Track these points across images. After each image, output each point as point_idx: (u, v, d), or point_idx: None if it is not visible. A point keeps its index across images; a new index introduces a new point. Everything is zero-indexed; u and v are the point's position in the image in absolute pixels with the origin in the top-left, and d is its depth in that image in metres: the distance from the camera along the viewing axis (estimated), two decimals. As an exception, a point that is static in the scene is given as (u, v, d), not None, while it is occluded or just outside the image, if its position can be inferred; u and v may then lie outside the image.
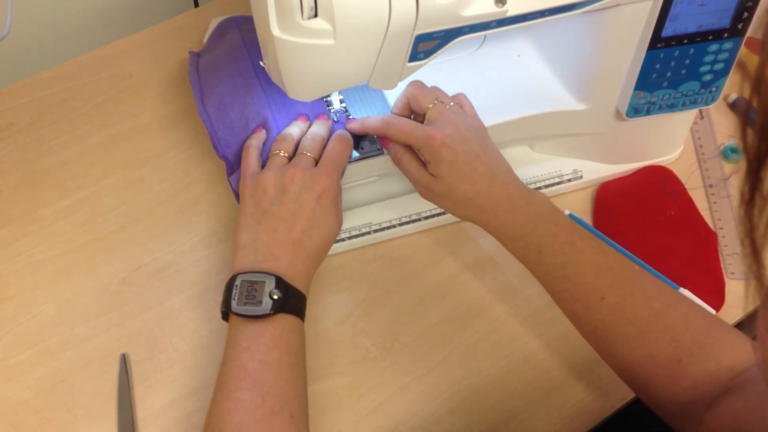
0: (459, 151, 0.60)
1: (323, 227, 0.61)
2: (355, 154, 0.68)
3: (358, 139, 0.70)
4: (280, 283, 0.56)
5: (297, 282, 0.58)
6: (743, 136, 0.31)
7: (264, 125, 0.67)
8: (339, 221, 0.63)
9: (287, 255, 0.58)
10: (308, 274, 0.60)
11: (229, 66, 0.72)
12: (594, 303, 0.56)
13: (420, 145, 0.61)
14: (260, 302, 0.55)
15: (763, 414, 0.47)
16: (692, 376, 0.52)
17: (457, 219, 0.74)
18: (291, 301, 0.56)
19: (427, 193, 0.64)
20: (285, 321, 0.56)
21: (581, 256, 0.57)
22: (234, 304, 0.56)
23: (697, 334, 0.54)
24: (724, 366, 0.52)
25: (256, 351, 0.54)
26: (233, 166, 0.67)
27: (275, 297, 0.55)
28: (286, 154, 0.64)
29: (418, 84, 0.66)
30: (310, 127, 0.67)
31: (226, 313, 0.57)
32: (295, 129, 0.66)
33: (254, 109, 0.68)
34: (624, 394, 0.65)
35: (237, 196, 0.65)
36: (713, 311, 0.67)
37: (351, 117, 0.71)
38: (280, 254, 0.58)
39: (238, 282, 0.56)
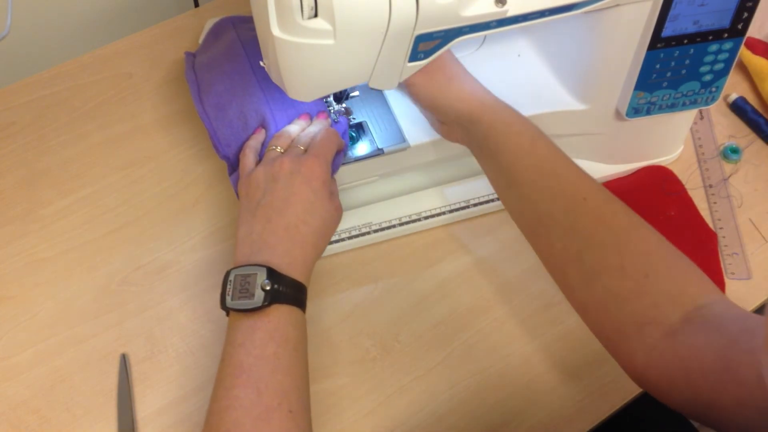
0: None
1: (318, 210, 0.60)
2: (354, 153, 0.69)
3: (358, 139, 0.70)
4: (272, 273, 0.55)
5: (294, 271, 0.57)
6: None
7: (263, 123, 0.67)
8: (335, 205, 0.63)
9: (282, 242, 0.58)
10: (306, 260, 0.59)
11: (226, 65, 0.72)
12: (576, 203, 0.56)
13: None
14: (253, 295, 0.55)
15: (731, 361, 0.46)
16: (656, 293, 0.51)
17: (458, 219, 0.74)
18: (286, 291, 0.56)
19: (414, 84, 0.63)
20: (280, 312, 0.56)
21: (567, 155, 0.58)
22: (229, 299, 0.56)
23: (668, 254, 0.54)
24: (688, 293, 0.51)
25: (251, 346, 0.54)
26: (234, 165, 0.68)
27: (267, 288, 0.55)
28: (282, 150, 0.64)
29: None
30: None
31: (227, 310, 0.57)
32: (294, 127, 0.67)
33: (253, 108, 0.68)
34: (624, 395, 0.65)
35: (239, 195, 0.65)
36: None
37: (352, 117, 0.71)
38: (274, 243, 0.58)
39: (231, 277, 0.56)
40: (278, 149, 0.64)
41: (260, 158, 0.66)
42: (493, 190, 0.74)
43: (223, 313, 0.58)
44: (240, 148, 0.67)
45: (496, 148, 0.59)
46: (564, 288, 0.57)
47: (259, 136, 0.67)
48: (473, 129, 0.61)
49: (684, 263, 0.53)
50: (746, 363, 0.44)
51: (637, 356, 0.52)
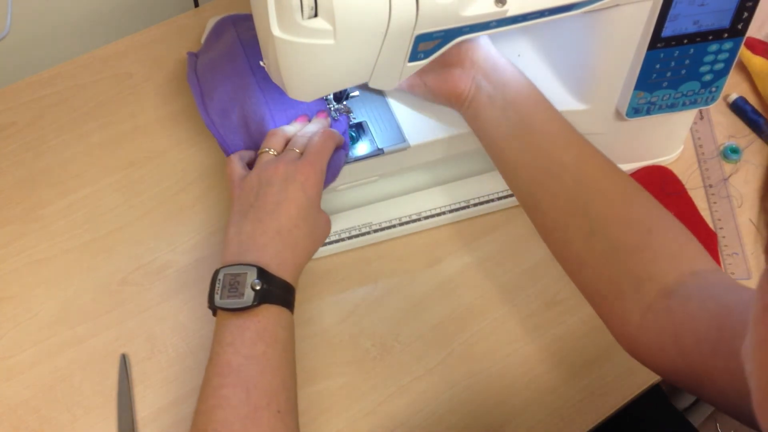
0: None
1: (311, 216, 0.60)
2: (354, 153, 0.69)
3: (358, 139, 0.70)
4: (263, 273, 0.55)
5: (284, 272, 0.57)
6: None
7: (261, 123, 0.67)
8: (324, 217, 0.63)
9: (273, 243, 0.58)
10: (296, 263, 0.59)
11: (227, 66, 0.72)
12: (586, 156, 0.58)
13: None
14: (242, 294, 0.54)
15: (724, 330, 0.46)
16: (658, 250, 0.52)
17: (458, 219, 0.74)
18: (276, 292, 0.56)
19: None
20: (270, 312, 0.55)
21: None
22: (217, 298, 0.55)
23: (670, 217, 0.55)
24: (686, 254, 0.52)
25: (240, 345, 0.54)
26: None
27: (257, 288, 0.54)
28: (275, 152, 0.63)
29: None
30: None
31: (215, 309, 0.57)
32: (290, 127, 0.66)
33: (252, 108, 0.68)
34: (624, 395, 0.65)
35: None
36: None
37: (352, 117, 0.71)
38: (265, 243, 0.57)
39: (220, 276, 0.56)
40: (272, 152, 0.63)
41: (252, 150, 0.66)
42: (493, 190, 0.75)
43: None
44: (247, 149, 0.67)
45: (516, 95, 0.61)
46: (562, 245, 0.57)
47: (243, 153, 0.67)
48: (495, 75, 0.62)
49: (684, 230, 0.55)
50: (739, 334, 0.44)
51: (632, 316, 0.52)
